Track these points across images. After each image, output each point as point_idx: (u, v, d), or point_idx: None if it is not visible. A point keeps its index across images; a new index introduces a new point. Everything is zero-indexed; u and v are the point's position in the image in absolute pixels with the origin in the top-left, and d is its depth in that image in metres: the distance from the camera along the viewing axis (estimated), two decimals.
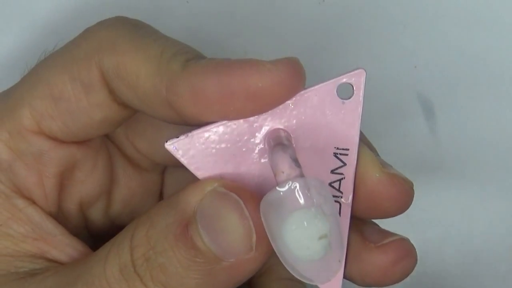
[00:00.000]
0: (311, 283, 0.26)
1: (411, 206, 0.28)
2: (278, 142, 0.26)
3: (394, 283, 0.28)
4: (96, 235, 0.33)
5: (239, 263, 0.26)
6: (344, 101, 0.27)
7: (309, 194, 0.25)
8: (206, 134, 0.27)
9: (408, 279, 0.29)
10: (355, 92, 0.27)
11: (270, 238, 0.25)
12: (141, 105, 0.28)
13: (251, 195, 0.26)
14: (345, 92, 0.27)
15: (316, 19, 0.40)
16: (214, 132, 0.27)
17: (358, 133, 0.28)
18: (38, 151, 0.29)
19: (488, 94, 0.42)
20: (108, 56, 0.27)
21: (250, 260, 0.26)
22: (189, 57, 0.26)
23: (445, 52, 0.41)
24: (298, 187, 0.25)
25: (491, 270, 0.43)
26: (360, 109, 0.27)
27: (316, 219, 0.25)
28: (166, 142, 0.27)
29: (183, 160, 0.27)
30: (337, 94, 0.27)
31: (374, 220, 0.30)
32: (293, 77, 0.26)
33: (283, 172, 0.25)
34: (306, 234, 0.24)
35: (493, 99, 0.42)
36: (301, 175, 0.25)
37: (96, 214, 0.33)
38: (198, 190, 0.26)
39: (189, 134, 0.27)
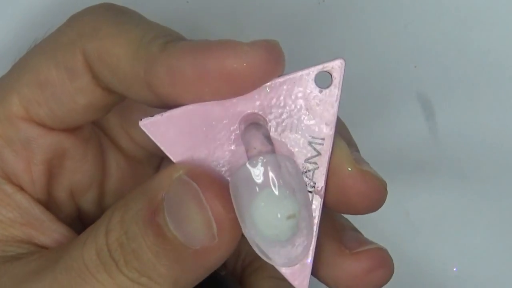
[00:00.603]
0: (276, 266, 0.26)
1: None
2: (252, 122, 0.26)
3: None
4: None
5: (205, 250, 0.26)
6: (322, 89, 0.27)
7: (279, 171, 0.25)
8: (181, 114, 0.27)
9: (404, 278, 0.28)
10: (333, 81, 0.27)
11: (238, 217, 0.25)
12: (122, 88, 0.28)
13: (212, 183, 0.26)
14: (324, 81, 0.27)
15: (316, 19, 0.40)
16: (189, 113, 0.27)
17: (335, 123, 0.27)
18: (26, 138, 0.29)
19: (488, 94, 0.42)
20: (91, 40, 0.28)
21: (215, 248, 0.26)
22: (168, 39, 0.27)
23: (445, 52, 0.41)
24: (268, 162, 0.25)
25: (490, 270, 0.43)
26: (337, 99, 0.27)
27: (285, 198, 0.25)
28: (141, 120, 0.27)
29: (156, 140, 0.27)
30: (316, 83, 0.27)
31: (366, 223, 0.30)
32: (271, 60, 0.26)
33: (254, 148, 0.25)
34: (274, 212, 0.24)
35: (493, 99, 0.42)
36: (273, 152, 0.25)
37: (88, 204, 0.33)
38: (166, 176, 0.26)
39: (164, 114, 0.26)
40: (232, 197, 0.25)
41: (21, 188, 0.30)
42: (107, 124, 0.33)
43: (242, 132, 0.27)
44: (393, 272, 0.28)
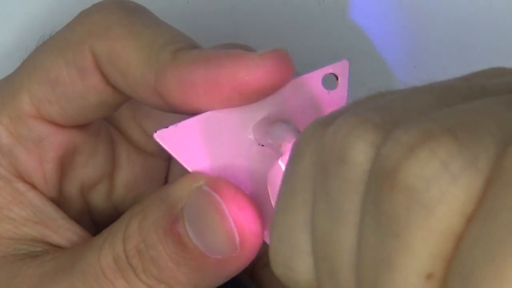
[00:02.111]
0: None
1: None
2: (278, 119, 0.26)
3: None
4: (99, 222, 0.33)
5: (226, 260, 0.26)
6: (330, 91, 0.27)
7: None
8: (195, 123, 0.27)
9: None
10: (340, 82, 0.27)
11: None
12: (131, 92, 0.28)
13: (235, 194, 0.26)
14: (330, 83, 0.28)
15: (316, 19, 0.40)
16: (204, 121, 0.27)
17: None
18: (37, 136, 0.30)
19: None
20: (101, 41, 0.28)
21: (237, 258, 0.26)
22: (179, 47, 0.27)
23: (445, 53, 0.41)
24: None
25: None
26: (345, 98, 0.28)
27: None
28: (155, 132, 0.27)
29: (171, 151, 0.27)
30: (323, 85, 0.27)
31: None
32: (281, 70, 0.26)
33: (289, 142, 0.25)
34: None
35: None
36: None
37: (98, 199, 0.33)
38: (185, 185, 0.26)
39: (178, 124, 0.27)
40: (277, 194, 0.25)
41: (34, 187, 0.30)
42: (119, 117, 0.33)
43: (265, 131, 0.27)
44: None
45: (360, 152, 0.19)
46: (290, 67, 0.26)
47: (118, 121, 0.33)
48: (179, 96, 0.26)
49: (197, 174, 0.27)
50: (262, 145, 0.27)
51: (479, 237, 0.16)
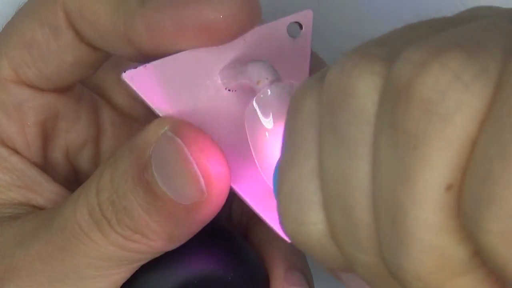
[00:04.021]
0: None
1: None
2: (251, 59, 0.27)
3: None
4: None
5: (195, 205, 0.26)
6: (294, 39, 0.28)
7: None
8: (165, 64, 0.27)
9: None
10: (304, 30, 0.28)
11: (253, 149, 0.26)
12: (104, 44, 0.28)
13: (197, 137, 0.26)
14: (294, 32, 0.29)
15: (316, 19, 0.40)
16: (173, 62, 0.27)
17: (308, 69, 0.28)
18: (17, 100, 0.30)
19: None
20: None
21: (205, 202, 0.26)
22: None
23: None
24: (289, 88, 0.26)
25: None
26: (309, 47, 0.28)
27: None
28: (124, 72, 0.27)
29: (140, 92, 0.27)
30: (288, 33, 0.28)
31: None
32: (247, 11, 0.26)
33: (266, 79, 0.26)
34: None
35: None
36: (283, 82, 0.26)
37: (85, 164, 0.33)
38: (152, 132, 0.27)
39: (148, 65, 0.27)
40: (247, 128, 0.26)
41: (17, 151, 0.30)
42: (103, 82, 0.33)
43: (238, 72, 0.27)
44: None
45: (367, 83, 0.19)
46: (257, 9, 0.27)
47: (102, 87, 0.33)
48: (148, 40, 0.27)
49: (163, 120, 0.27)
50: (229, 90, 0.28)
51: (491, 141, 0.17)
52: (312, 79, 0.21)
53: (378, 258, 0.20)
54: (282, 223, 0.21)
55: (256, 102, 0.26)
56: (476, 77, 0.17)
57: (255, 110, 0.26)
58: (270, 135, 0.26)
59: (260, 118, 0.25)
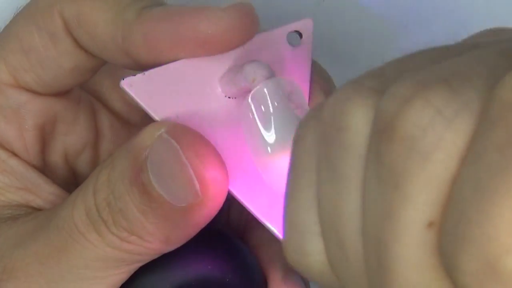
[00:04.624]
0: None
1: None
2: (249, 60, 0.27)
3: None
4: None
5: (191, 208, 0.26)
6: (294, 47, 0.28)
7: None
8: (163, 72, 0.27)
9: None
10: (304, 39, 0.28)
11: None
12: (101, 53, 0.28)
13: (193, 140, 0.26)
14: (294, 40, 0.28)
15: (316, 19, 0.40)
16: (171, 70, 0.27)
17: (308, 78, 0.28)
18: (15, 104, 0.30)
19: None
20: (69, 4, 0.28)
21: (201, 205, 0.26)
22: (144, 5, 0.27)
23: None
24: (286, 84, 0.26)
25: None
26: (309, 56, 0.28)
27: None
28: (122, 79, 0.27)
29: (138, 99, 0.27)
30: (288, 41, 0.28)
31: None
32: (244, 24, 0.26)
33: (262, 76, 0.26)
34: None
35: None
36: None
37: (84, 168, 0.33)
38: (149, 134, 0.26)
39: (146, 73, 0.27)
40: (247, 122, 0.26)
41: (15, 154, 0.30)
42: (100, 88, 0.33)
43: (235, 75, 0.27)
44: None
45: (358, 117, 0.19)
46: (254, 21, 0.27)
47: (100, 92, 0.33)
48: (145, 52, 0.27)
49: (160, 122, 0.27)
50: (229, 97, 0.27)
51: (467, 179, 0.17)
52: (315, 107, 0.21)
53: None
54: (285, 252, 0.21)
55: (251, 98, 0.26)
56: (458, 111, 0.17)
57: (250, 105, 0.26)
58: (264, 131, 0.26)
59: (255, 114, 0.26)
